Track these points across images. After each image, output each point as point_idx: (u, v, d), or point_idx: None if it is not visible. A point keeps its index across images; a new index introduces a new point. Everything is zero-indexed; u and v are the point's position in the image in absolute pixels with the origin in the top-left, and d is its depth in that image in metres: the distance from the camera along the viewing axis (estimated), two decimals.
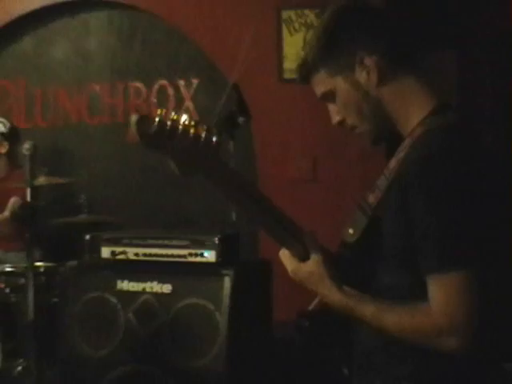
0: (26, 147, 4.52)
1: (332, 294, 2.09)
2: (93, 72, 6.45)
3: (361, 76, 2.11)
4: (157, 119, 1.69)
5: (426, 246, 1.93)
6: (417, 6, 5.51)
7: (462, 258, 1.90)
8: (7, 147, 5.70)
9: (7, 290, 4.73)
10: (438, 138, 2.01)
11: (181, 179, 5.47)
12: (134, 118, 1.69)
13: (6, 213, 5.26)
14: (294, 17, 5.68)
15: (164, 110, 1.70)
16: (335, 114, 2.21)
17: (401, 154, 2.09)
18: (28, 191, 4.50)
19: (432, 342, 1.96)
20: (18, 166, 5.56)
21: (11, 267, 4.94)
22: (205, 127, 1.71)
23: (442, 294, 1.91)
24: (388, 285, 2.10)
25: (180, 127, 1.73)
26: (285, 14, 5.70)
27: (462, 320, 1.89)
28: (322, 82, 2.19)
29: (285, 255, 2.15)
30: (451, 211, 1.93)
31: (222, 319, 3.88)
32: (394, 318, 2.01)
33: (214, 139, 1.79)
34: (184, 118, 1.75)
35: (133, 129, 1.71)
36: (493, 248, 2.00)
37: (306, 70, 2.23)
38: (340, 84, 2.15)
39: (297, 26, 5.68)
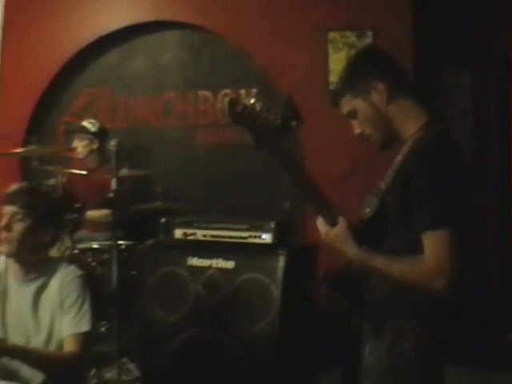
0: (112, 144, 4.62)
1: (352, 250, 2.47)
2: (167, 82, 6.50)
3: (375, 97, 2.56)
4: (242, 102, 2.11)
5: (422, 212, 2.32)
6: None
7: (448, 220, 2.29)
8: (97, 144, 5.78)
9: (94, 264, 4.81)
10: (429, 140, 2.43)
11: (240, 175, 5.56)
12: (226, 100, 2.11)
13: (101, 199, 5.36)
14: (338, 38, 5.70)
15: (247, 98, 2.13)
16: (356, 127, 2.66)
17: (403, 151, 2.53)
18: (114, 181, 4.61)
19: (426, 283, 2.31)
20: (106, 161, 5.65)
21: (98, 244, 5.03)
22: (275, 113, 2.16)
23: (433, 246, 2.29)
24: (392, 246, 2.49)
25: (257, 110, 2.15)
26: (330, 35, 5.72)
27: (448, 266, 2.25)
28: (347, 103, 2.64)
29: (320, 222, 2.56)
30: (440, 187, 2.32)
31: (276, 291, 3.93)
32: (397, 266, 2.39)
33: (282, 124, 2.25)
34: (259, 104, 2.15)
35: (225, 108, 2.10)
36: (465, 213, 2.41)
37: (336, 96, 2.69)
38: (360, 104, 2.60)
39: (340, 45, 5.70)
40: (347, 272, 2.64)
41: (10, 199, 3.21)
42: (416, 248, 2.31)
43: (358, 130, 2.65)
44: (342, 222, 2.50)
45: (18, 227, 3.16)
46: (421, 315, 2.44)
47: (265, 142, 2.27)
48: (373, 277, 2.55)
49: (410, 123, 2.55)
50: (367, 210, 2.63)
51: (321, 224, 2.56)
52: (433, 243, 2.28)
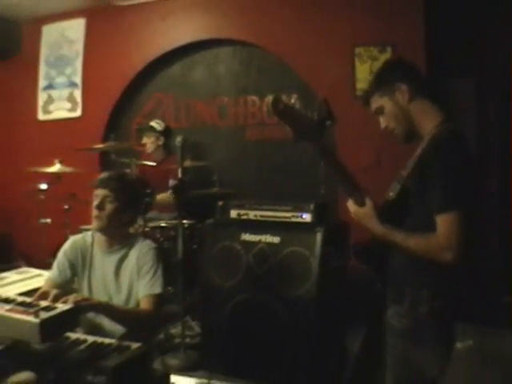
0: (178, 140, 4.65)
1: (376, 226, 2.56)
2: (222, 89, 6.55)
3: (399, 97, 2.63)
4: (283, 101, 2.20)
5: (436, 196, 2.39)
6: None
7: (457, 203, 2.35)
8: (163, 141, 5.85)
9: (162, 239, 4.88)
10: (444, 136, 2.49)
11: (283, 165, 5.58)
12: (270, 98, 2.20)
13: (167, 194, 5.42)
14: (363, 52, 5.74)
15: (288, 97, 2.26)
16: (383, 122, 2.72)
17: (422, 145, 2.58)
18: (180, 170, 4.66)
19: (436, 255, 2.38)
20: (170, 154, 5.72)
21: (165, 223, 5.10)
22: (311, 112, 2.29)
23: (444, 225, 2.36)
24: (411, 224, 2.55)
25: (296, 108, 2.26)
26: (357, 50, 5.77)
27: (455, 242, 2.32)
28: (375, 102, 2.71)
29: (350, 203, 2.66)
30: (451, 176, 2.38)
31: (314, 262, 3.95)
32: (413, 240, 2.46)
33: (317, 120, 2.35)
34: (298, 103, 2.26)
35: (269, 104, 2.20)
36: (471, 197, 2.45)
37: (367, 95, 2.77)
38: (386, 102, 2.67)
39: (365, 58, 5.74)
40: (373, 245, 2.69)
41: (103, 184, 3.31)
42: (430, 225, 2.38)
43: (383, 124, 2.72)
44: (368, 203, 2.59)
45: (109, 207, 3.27)
46: (434, 285, 2.49)
47: (303, 135, 2.33)
48: (394, 249, 2.59)
49: (428, 120, 2.60)
50: (391, 193, 2.69)
51: (351, 205, 2.65)
52: (444, 223, 2.35)
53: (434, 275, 2.45)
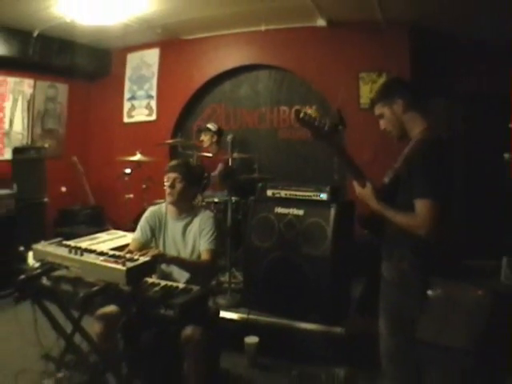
0: (228, 138, 4.66)
1: (374, 204, 2.55)
2: (261, 101, 6.52)
3: (396, 108, 2.61)
4: (304, 111, 2.26)
5: (416, 185, 2.39)
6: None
7: (430, 193, 2.35)
8: (216, 138, 5.83)
9: (215, 211, 4.82)
10: (426, 140, 2.50)
11: (305, 156, 5.52)
12: (293, 109, 2.27)
13: (218, 171, 5.41)
14: (365, 76, 5.74)
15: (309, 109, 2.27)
16: (382, 124, 2.69)
17: (409, 146, 2.57)
18: (229, 160, 4.66)
19: (414, 230, 2.38)
20: (222, 148, 5.71)
21: (218, 199, 5.08)
22: (327, 119, 2.29)
23: (420, 209, 2.37)
24: (400, 204, 2.51)
25: (314, 116, 2.27)
26: (361, 75, 5.78)
27: (428, 222, 2.34)
28: (378, 109, 2.68)
29: (355, 185, 2.63)
30: (429, 170, 2.38)
31: (329, 230, 3.95)
32: (399, 217, 2.47)
33: (328, 126, 2.30)
34: (316, 113, 2.27)
35: (293, 114, 2.27)
36: (445, 188, 2.44)
37: (373, 103, 2.73)
38: (386, 110, 2.66)
39: (367, 80, 5.75)
40: (372, 217, 2.64)
41: (173, 169, 3.37)
42: (413, 206, 2.40)
43: (383, 127, 2.69)
44: (368, 186, 2.58)
45: (178, 186, 3.32)
46: (414, 247, 2.49)
47: (318, 137, 2.35)
48: (387, 221, 2.56)
49: (416, 127, 2.59)
50: (386, 179, 2.68)
51: (356, 186, 2.64)
52: (420, 207, 2.37)
53: (414, 241, 2.44)
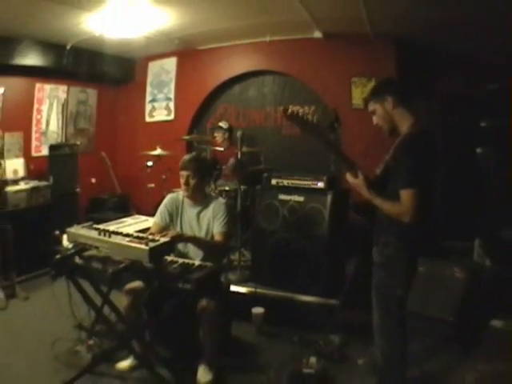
0: (238, 134, 4.59)
1: (365, 192, 2.51)
2: (266, 102, 6.44)
3: (386, 105, 2.57)
4: (291, 108, 2.17)
5: (402, 176, 2.36)
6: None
7: (415, 183, 2.32)
8: (227, 135, 5.77)
9: (226, 198, 4.70)
10: (412, 135, 2.46)
11: (305, 150, 5.46)
12: (282, 107, 2.18)
13: (229, 164, 5.34)
14: (357, 80, 5.64)
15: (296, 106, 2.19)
16: (375, 120, 2.64)
17: (398, 140, 2.52)
18: (239, 154, 4.61)
19: (399, 217, 2.35)
20: (232, 143, 5.66)
21: (229, 188, 5.03)
22: (315, 115, 2.22)
23: (404, 198, 2.33)
24: (389, 192, 2.45)
25: (302, 112, 2.20)
26: (353, 79, 5.68)
27: (410, 210, 2.31)
28: (371, 106, 2.64)
29: (348, 175, 2.59)
30: (414, 163, 2.35)
31: (326, 214, 3.89)
32: (386, 205, 2.44)
33: (316, 121, 2.24)
34: (302, 109, 2.19)
35: (282, 111, 2.17)
36: (428, 180, 2.40)
37: (366, 100, 2.68)
38: (378, 107, 2.62)
39: (358, 84, 5.65)
40: (364, 204, 2.62)
41: (185, 167, 3.32)
42: (399, 195, 2.38)
43: (375, 122, 2.65)
44: (360, 176, 2.54)
45: (192, 182, 3.30)
46: (399, 233, 2.47)
47: (307, 130, 2.31)
48: (377, 209, 2.54)
49: (404, 123, 2.54)
50: (378, 170, 2.66)
51: (349, 177, 2.61)
52: (403, 197, 2.33)
53: (399, 227, 2.41)
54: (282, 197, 4.16)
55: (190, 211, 3.40)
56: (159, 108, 7.06)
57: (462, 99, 5.60)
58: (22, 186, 5.25)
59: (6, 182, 4.75)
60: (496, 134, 4.94)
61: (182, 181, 3.32)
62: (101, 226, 3.05)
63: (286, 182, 4.23)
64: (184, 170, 3.31)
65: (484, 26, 4.48)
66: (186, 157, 3.39)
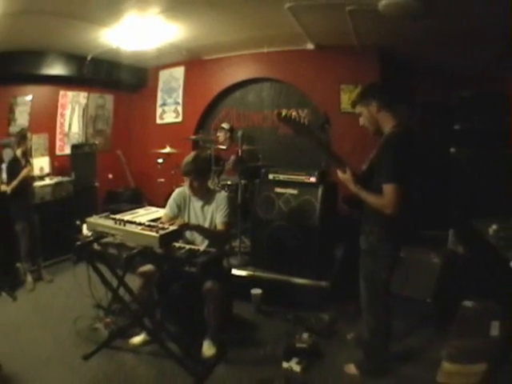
0: (239, 133, 4.56)
1: (353, 186, 2.51)
2: (264, 106, 6.36)
3: (372, 108, 2.55)
4: (284, 112, 2.21)
5: (384, 172, 2.37)
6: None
7: (394, 179, 2.32)
8: (229, 134, 5.70)
9: (228, 191, 4.69)
10: (394, 135, 2.45)
11: (299, 148, 5.39)
12: (276, 111, 2.23)
13: (231, 160, 5.31)
14: (345, 87, 5.56)
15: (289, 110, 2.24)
16: (361, 121, 2.63)
17: (382, 140, 2.51)
18: (239, 151, 4.57)
19: (381, 209, 2.37)
20: (233, 142, 5.59)
21: (230, 182, 4.97)
22: (305, 116, 2.13)
23: (385, 192, 2.34)
24: (374, 187, 2.45)
25: (294, 115, 2.20)
26: (341, 86, 5.59)
27: (392, 204, 2.32)
28: (358, 108, 2.62)
29: (338, 171, 2.58)
30: (395, 159, 2.35)
31: (317, 205, 3.88)
32: (371, 198, 2.44)
33: (307, 123, 2.30)
34: (295, 113, 2.20)
35: (276, 115, 2.23)
36: (407, 176, 2.38)
37: (354, 103, 2.65)
38: (364, 110, 2.58)
39: (346, 91, 5.56)
40: (352, 197, 2.60)
41: (187, 173, 3.19)
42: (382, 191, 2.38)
43: (361, 123, 2.64)
44: (348, 171, 2.53)
45: (195, 183, 3.23)
46: (382, 223, 2.48)
47: (300, 132, 2.33)
48: (363, 201, 2.53)
49: (387, 124, 2.52)
50: (364, 167, 2.65)
51: (339, 172, 2.59)
52: (385, 191, 2.34)
53: (382, 218, 2.41)
54: (278, 190, 4.13)
55: (195, 204, 3.36)
56: (169, 111, 6.99)
57: (438, 105, 5.59)
58: (48, 181, 5.36)
59: (33, 178, 4.79)
60: (468, 135, 4.95)
61: (186, 184, 3.26)
62: (116, 216, 3.05)
63: (281, 177, 4.19)
64: (186, 175, 3.21)
65: (458, 41, 4.48)
66: (186, 161, 3.21)
